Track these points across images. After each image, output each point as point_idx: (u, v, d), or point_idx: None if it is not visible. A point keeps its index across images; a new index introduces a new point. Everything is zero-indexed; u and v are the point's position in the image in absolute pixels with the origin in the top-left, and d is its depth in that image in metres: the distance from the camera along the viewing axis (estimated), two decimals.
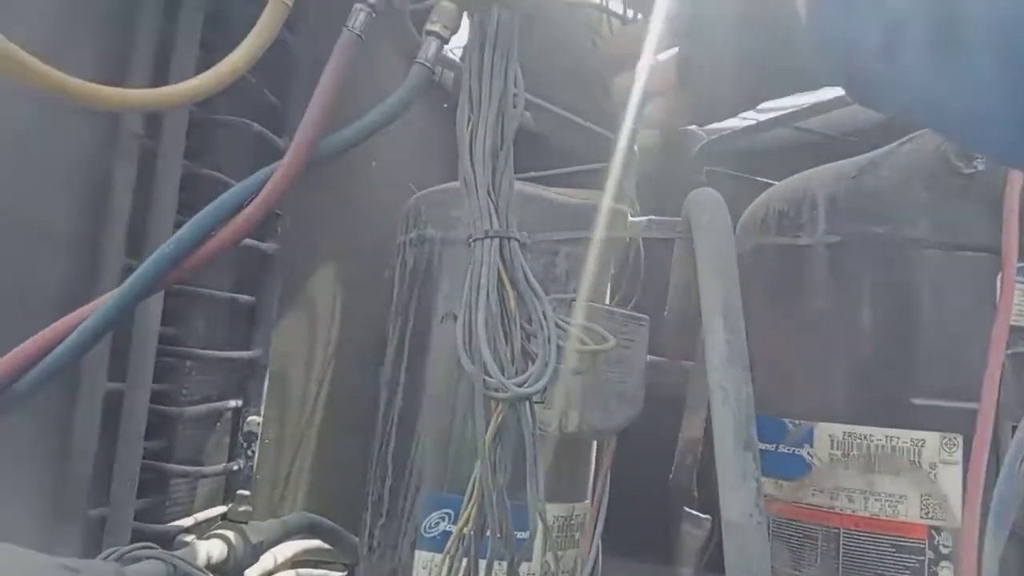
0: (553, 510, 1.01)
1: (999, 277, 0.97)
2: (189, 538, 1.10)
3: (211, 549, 1.06)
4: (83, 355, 0.74)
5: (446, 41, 0.82)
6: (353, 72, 0.82)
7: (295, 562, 1.31)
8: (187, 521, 1.13)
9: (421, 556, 1.04)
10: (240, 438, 1.24)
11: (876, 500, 0.96)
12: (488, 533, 0.75)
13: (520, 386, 0.73)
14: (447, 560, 0.77)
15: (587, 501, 1.11)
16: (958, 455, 0.95)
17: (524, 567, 0.90)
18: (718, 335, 0.82)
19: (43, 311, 0.88)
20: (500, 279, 0.78)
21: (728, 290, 0.84)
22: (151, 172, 1.02)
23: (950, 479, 0.95)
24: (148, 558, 0.87)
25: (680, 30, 0.66)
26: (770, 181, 1.24)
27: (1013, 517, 0.83)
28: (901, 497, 0.95)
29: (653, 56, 0.68)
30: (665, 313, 1.13)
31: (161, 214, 1.02)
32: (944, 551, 0.94)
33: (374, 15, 0.78)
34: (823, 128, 1.58)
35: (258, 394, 1.26)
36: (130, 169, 0.99)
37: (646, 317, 1.03)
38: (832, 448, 1.00)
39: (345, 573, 1.37)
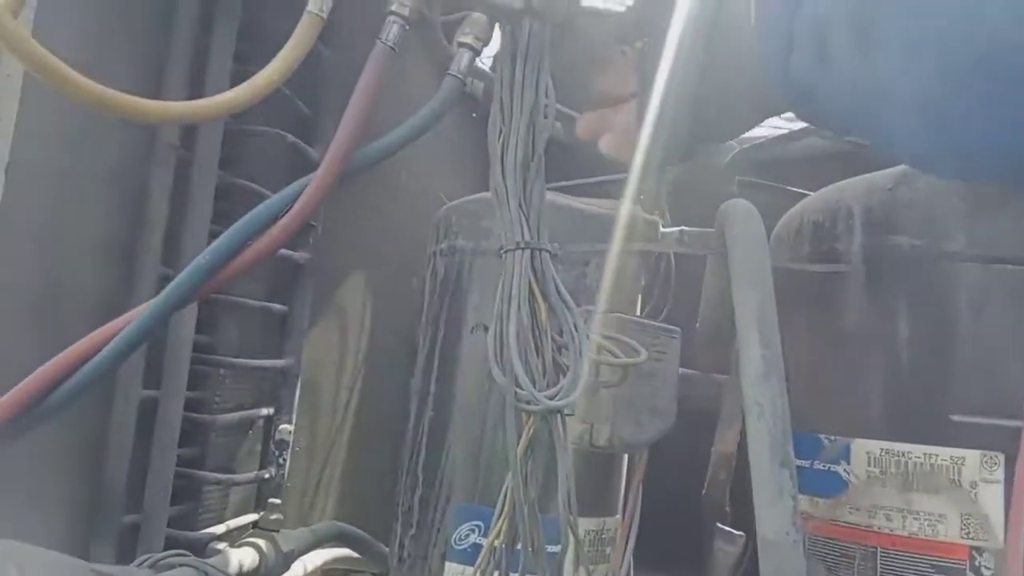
0: (584, 524, 1.00)
1: None
2: (221, 546, 1.10)
3: (243, 557, 1.06)
4: (120, 365, 0.74)
5: (478, 53, 0.82)
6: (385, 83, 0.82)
7: (324, 571, 1.31)
8: (219, 528, 1.13)
9: (451, 568, 1.03)
10: (272, 446, 1.25)
11: (915, 519, 0.94)
12: (519, 547, 0.74)
13: (551, 399, 0.73)
14: (478, 574, 0.77)
15: (618, 515, 1.10)
16: (999, 474, 0.92)
17: None
18: (753, 349, 0.80)
19: (80, 318, 0.89)
20: (531, 291, 0.77)
21: (763, 303, 0.83)
22: (186, 182, 1.04)
23: (991, 498, 0.92)
24: (181, 565, 0.87)
25: (641, 73, 0.68)
26: (803, 191, 1.22)
27: None
28: (940, 516, 0.93)
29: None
30: (697, 325, 1.11)
31: (196, 223, 1.04)
32: (986, 572, 0.91)
33: (407, 27, 0.78)
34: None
35: (290, 402, 1.27)
36: (166, 179, 1.01)
37: (678, 329, 1.02)
38: (869, 465, 0.98)
39: None
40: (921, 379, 0.99)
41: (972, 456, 0.93)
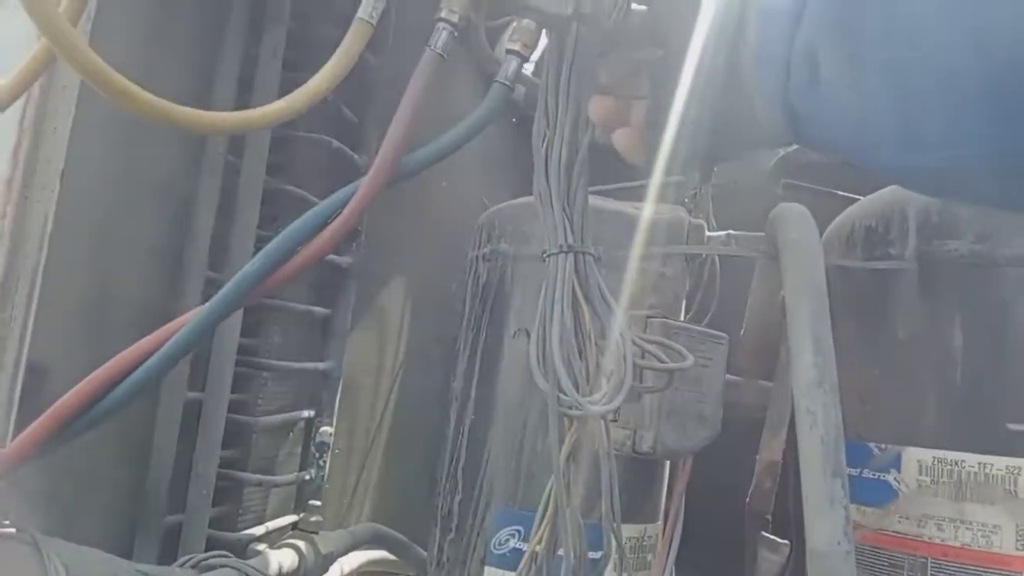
0: (625, 531, 0.99)
1: None
2: (261, 547, 1.11)
3: (282, 559, 1.07)
4: (169, 372, 0.75)
5: (526, 60, 0.81)
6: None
7: (361, 573, 1.31)
8: (259, 530, 1.14)
9: (490, 573, 1.03)
10: (312, 448, 1.26)
11: (967, 529, 0.92)
12: (560, 552, 0.73)
13: (595, 404, 0.72)
14: None
15: (659, 522, 1.09)
16: None
17: None
18: (806, 357, 0.79)
19: (128, 321, 0.90)
20: (575, 295, 0.77)
21: (817, 311, 0.81)
22: (233, 187, 1.05)
23: None
24: (222, 566, 0.88)
25: (654, 79, 0.68)
26: (852, 195, 1.20)
27: None
28: (995, 527, 0.91)
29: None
30: (742, 331, 1.10)
31: (243, 228, 1.05)
32: None
33: (456, 34, 0.78)
34: None
35: (331, 405, 1.28)
36: (214, 185, 1.02)
37: (724, 335, 1.01)
38: (920, 474, 0.96)
39: None
40: (976, 386, 0.96)
41: None
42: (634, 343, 0.78)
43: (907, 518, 0.97)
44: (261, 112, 0.73)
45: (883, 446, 1.00)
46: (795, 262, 0.86)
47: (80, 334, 0.88)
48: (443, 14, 0.77)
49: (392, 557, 1.35)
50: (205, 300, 0.80)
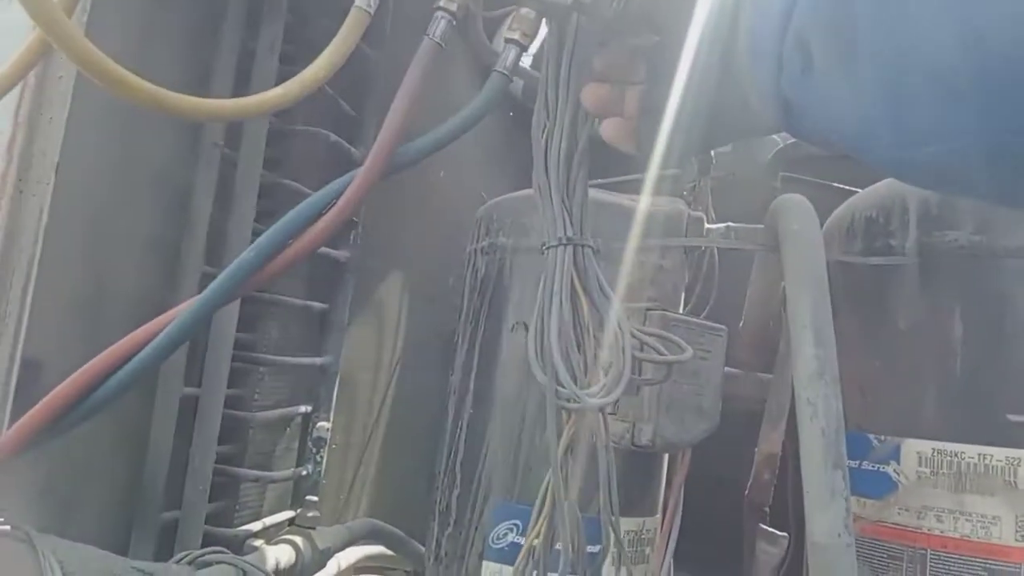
0: (624, 524, 0.99)
1: None
2: (258, 542, 1.11)
3: (279, 555, 1.06)
4: (163, 362, 0.74)
5: (525, 49, 0.81)
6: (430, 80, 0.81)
7: (359, 568, 1.31)
8: (256, 525, 1.14)
9: (488, 567, 1.03)
10: (309, 443, 1.25)
11: (967, 520, 0.92)
12: (558, 546, 0.73)
13: (593, 397, 0.71)
14: (516, 574, 0.76)
15: (657, 516, 1.09)
16: None
17: None
18: (807, 348, 0.79)
19: (125, 314, 0.90)
20: (573, 287, 0.76)
21: (818, 302, 0.81)
22: (230, 181, 1.04)
23: None
24: (219, 562, 0.88)
25: (649, 65, 0.68)
26: (850, 188, 1.20)
27: None
28: (995, 518, 0.91)
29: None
30: (741, 323, 1.10)
31: (240, 222, 1.04)
32: None
33: (454, 23, 0.77)
34: None
35: (328, 400, 1.27)
36: (210, 178, 1.01)
37: (723, 328, 1.01)
38: (920, 465, 0.96)
39: None
40: (976, 378, 0.96)
41: None
42: (633, 336, 0.77)
43: (907, 510, 0.97)
44: (258, 99, 0.72)
45: (882, 438, 1.00)
46: (796, 253, 0.86)
47: (75, 328, 0.88)
48: (442, 2, 0.76)
49: (390, 552, 1.35)
50: None
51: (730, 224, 1.07)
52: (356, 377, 1.39)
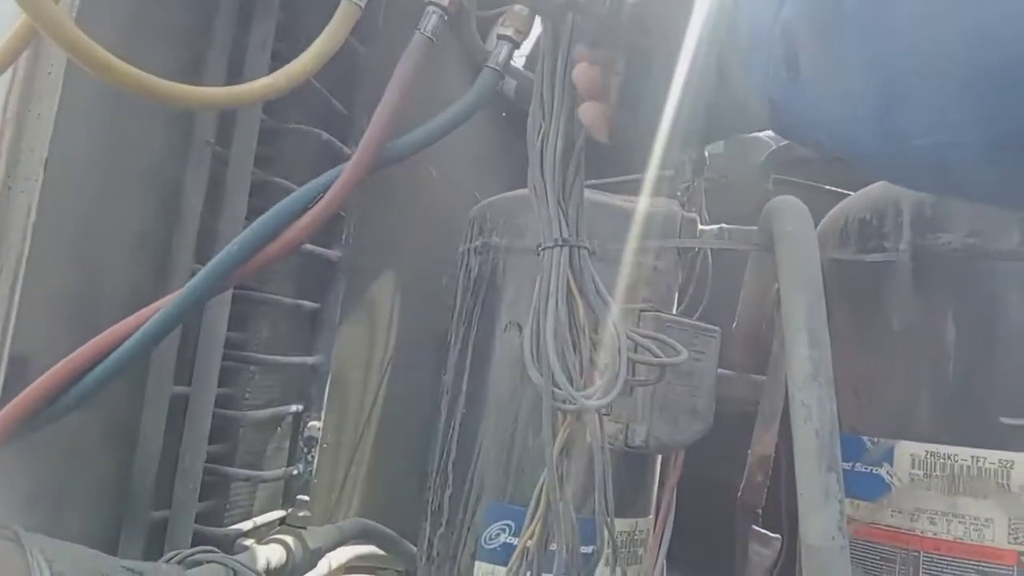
0: (617, 525, 0.99)
1: None
2: (248, 542, 1.10)
3: (270, 554, 1.06)
4: (147, 353, 0.73)
5: (518, 46, 0.80)
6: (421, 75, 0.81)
7: (349, 568, 1.31)
8: (246, 525, 1.13)
9: (481, 568, 1.03)
10: (300, 442, 1.24)
11: (960, 523, 0.92)
12: (551, 547, 0.73)
13: (589, 398, 0.71)
14: (509, 575, 0.75)
15: (650, 516, 1.08)
16: None
17: None
18: (801, 350, 0.78)
19: (114, 311, 0.89)
20: (569, 288, 0.76)
21: (812, 303, 0.81)
22: (221, 178, 1.04)
23: None
24: (209, 562, 0.87)
25: (630, 60, 0.68)
26: (842, 191, 1.20)
27: None
28: (987, 520, 0.91)
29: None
30: (734, 324, 1.10)
31: (231, 220, 1.03)
32: None
33: (446, 18, 0.77)
34: None
35: (319, 399, 1.27)
36: (201, 175, 1.00)
37: (717, 329, 1.01)
38: (913, 467, 0.96)
39: None
40: (969, 380, 0.97)
41: (1022, 459, 0.91)
42: (628, 337, 0.77)
43: (900, 512, 0.97)
44: (249, 87, 0.72)
45: (876, 440, 1.01)
46: (790, 254, 0.86)
47: (64, 326, 0.87)
48: None
49: (381, 552, 1.34)
50: None
51: (723, 225, 1.07)
52: (348, 376, 1.38)
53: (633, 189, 1.02)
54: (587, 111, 0.71)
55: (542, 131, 0.77)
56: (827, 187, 1.31)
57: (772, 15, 0.50)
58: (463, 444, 1.08)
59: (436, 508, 1.10)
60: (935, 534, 0.94)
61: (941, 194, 0.93)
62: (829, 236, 1.12)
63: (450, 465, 1.08)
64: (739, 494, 1.13)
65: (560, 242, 0.76)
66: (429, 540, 1.11)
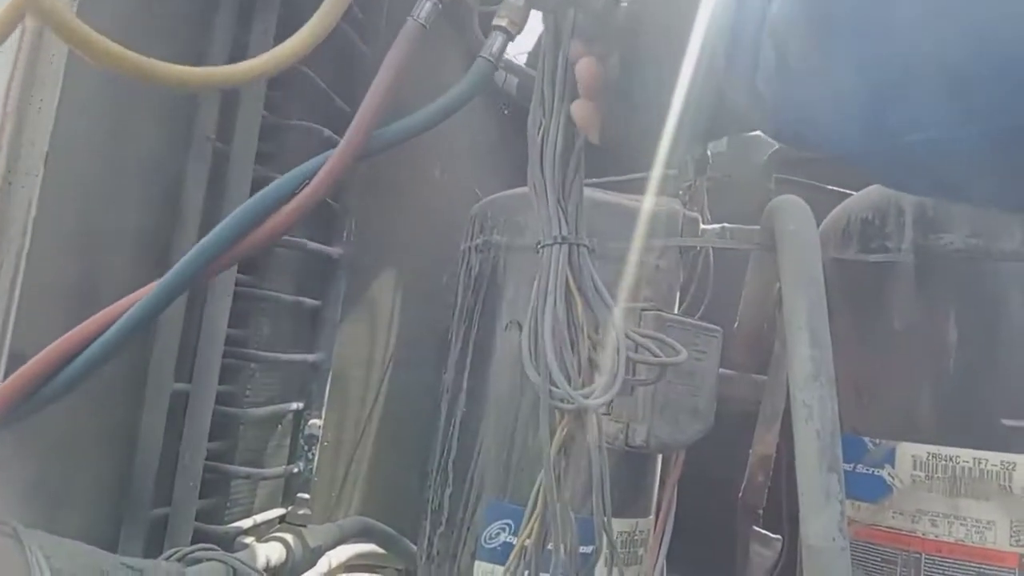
0: (617, 525, 0.98)
1: None
2: (248, 540, 1.10)
3: (270, 552, 1.06)
4: (127, 342, 0.72)
5: (512, 37, 0.79)
6: (416, 66, 0.80)
7: (349, 566, 1.31)
8: (246, 522, 1.13)
9: (480, 567, 1.02)
10: (300, 440, 1.24)
11: (961, 525, 0.91)
12: (549, 547, 0.72)
13: (587, 397, 0.71)
14: (507, 574, 0.75)
15: (651, 517, 1.08)
16: None
17: None
18: (802, 350, 0.78)
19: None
20: (568, 287, 0.75)
21: (814, 303, 0.81)
22: (223, 175, 1.03)
23: None
24: (209, 560, 0.87)
25: (623, 59, 0.67)
26: (844, 191, 1.19)
27: None
28: (989, 523, 0.90)
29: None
30: (735, 324, 1.09)
31: None
32: None
33: (440, 6, 0.76)
34: None
35: (320, 397, 1.26)
36: (202, 171, 1.00)
37: (718, 328, 1.00)
38: (915, 469, 0.95)
39: None
40: (971, 381, 0.96)
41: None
42: (628, 336, 0.77)
43: (901, 513, 0.97)
44: (246, 66, 0.71)
45: (877, 441, 1.00)
46: (792, 254, 0.85)
47: (64, 321, 0.86)
48: None
49: (381, 551, 1.34)
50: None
51: (726, 225, 1.07)
52: (348, 374, 1.38)
53: (635, 188, 1.02)
54: (578, 109, 0.71)
55: (542, 128, 0.76)
56: (829, 187, 1.31)
57: (760, 14, 0.50)
58: (463, 442, 1.07)
59: (436, 507, 1.09)
60: (936, 536, 0.93)
61: (933, 196, 0.93)
62: (831, 236, 1.12)
63: (450, 464, 1.08)
64: (740, 494, 1.12)
65: (559, 240, 0.76)
66: (429, 539, 1.10)
